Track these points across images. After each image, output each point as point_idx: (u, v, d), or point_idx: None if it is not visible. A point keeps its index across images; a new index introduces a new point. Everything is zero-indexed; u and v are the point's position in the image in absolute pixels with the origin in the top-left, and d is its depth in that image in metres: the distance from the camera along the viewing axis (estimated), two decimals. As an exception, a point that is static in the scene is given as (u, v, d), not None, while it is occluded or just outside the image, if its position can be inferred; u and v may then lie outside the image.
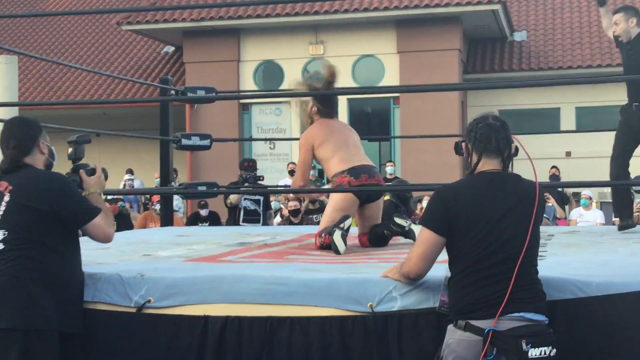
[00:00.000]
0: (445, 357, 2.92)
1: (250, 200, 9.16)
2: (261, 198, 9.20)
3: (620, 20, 6.01)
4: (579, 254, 4.39)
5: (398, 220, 4.94)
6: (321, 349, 3.24)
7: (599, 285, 3.11)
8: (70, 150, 3.77)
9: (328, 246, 4.72)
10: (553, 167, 14.51)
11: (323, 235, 4.80)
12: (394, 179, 12.53)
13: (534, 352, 2.76)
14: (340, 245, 4.63)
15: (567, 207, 13.80)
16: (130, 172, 17.12)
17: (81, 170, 3.59)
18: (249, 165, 9.17)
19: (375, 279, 3.31)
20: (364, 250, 4.87)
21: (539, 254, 4.23)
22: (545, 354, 2.78)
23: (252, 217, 9.11)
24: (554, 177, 14.11)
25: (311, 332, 3.25)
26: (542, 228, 5.48)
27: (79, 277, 3.46)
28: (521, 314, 2.85)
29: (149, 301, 3.44)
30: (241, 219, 9.06)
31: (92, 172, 3.60)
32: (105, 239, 3.49)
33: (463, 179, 3.15)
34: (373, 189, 5.06)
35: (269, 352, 3.28)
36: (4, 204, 3.31)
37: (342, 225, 4.74)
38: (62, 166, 3.47)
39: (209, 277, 3.48)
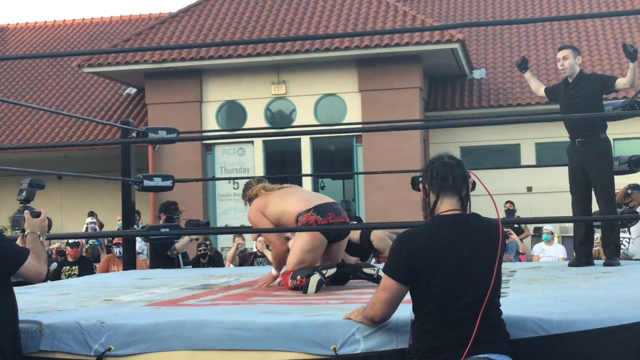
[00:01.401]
0: None
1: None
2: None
3: (569, 56, 6.21)
4: (541, 289, 4.42)
5: (367, 270, 4.97)
6: (285, 394, 3.21)
7: (560, 323, 3.12)
8: (22, 190, 3.80)
9: (301, 288, 4.72)
10: (508, 202, 14.67)
11: (299, 277, 4.77)
12: (355, 218, 12.46)
13: None
14: (312, 290, 4.63)
15: (528, 240, 13.94)
16: (92, 214, 16.95)
17: (26, 211, 3.70)
18: (175, 208, 8.86)
19: (338, 321, 3.30)
20: (327, 289, 4.85)
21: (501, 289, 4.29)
22: None
23: (188, 260, 8.96)
24: (509, 211, 14.29)
25: (274, 377, 3.23)
26: (504, 264, 5.52)
27: (9, 326, 3.38)
28: (486, 355, 2.85)
29: (109, 349, 3.39)
30: (181, 262, 8.87)
31: (37, 214, 3.68)
32: (38, 278, 3.50)
33: (424, 224, 3.12)
34: (341, 227, 5.05)
35: (233, 398, 3.24)
36: None
37: (324, 272, 4.73)
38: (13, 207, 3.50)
39: (170, 323, 3.44)
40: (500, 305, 3.00)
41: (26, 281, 3.57)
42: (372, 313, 3.12)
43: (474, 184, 3.21)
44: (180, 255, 8.79)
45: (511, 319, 3.09)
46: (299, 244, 4.99)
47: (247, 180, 5.58)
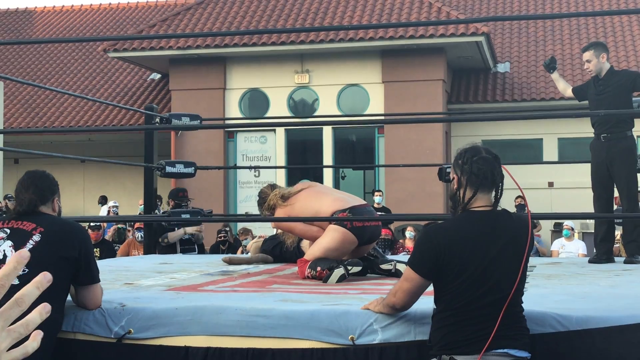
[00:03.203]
0: None
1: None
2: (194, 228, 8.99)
3: (591, 58, 6.17)
4: (560, 285, 4.41)
5: (384, 266, 4.95)
6: (302, 382, 3.23)
7: (579, 319, 3.12)
8: None
9: (319, 279, 4.71)
10: (518, 197, 14.45)
11: (319, 269, 4.75)
12: (382, 208, 12.46)
13: None
14: (332, 282, 4.62)
15: (547, 235, 13.87)
16: (104, 199, 17.23)
17: None
18: (184, 195, 8.89)
19: (356, 311, 3.31)
20: (346, 279, 4.86)
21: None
22: None
23: (188, 247, 8.97)
24: (520, 206, 14.16)
25: (292, 365, 3.25)
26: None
27: (56, 335, 3.41)
28: (506, 350, 2.84)
29: (129, 332, 3.43)
30: (178, 249, 8.88)
31: None
32: (94, 306, 3.50)
33: (453, 219, 3.07)
34: (366, 219, 4.98)
35: (250, 384, 3.27)
36: (31, 242, 3.33)
37: (349, 268, 4.69)
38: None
39: (189, 308, 3.46)
40: (522, 302, 2.99)
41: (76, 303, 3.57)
42: (394, 300, 3.11)
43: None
44: (178, 242, 8.79)
45: (530, 314, 3.09)
46: (328, 239, 4.89)
47: (260, 190, 5.51)
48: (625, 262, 5.95)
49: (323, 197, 5.11)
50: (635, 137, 6.35)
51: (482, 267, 2.88)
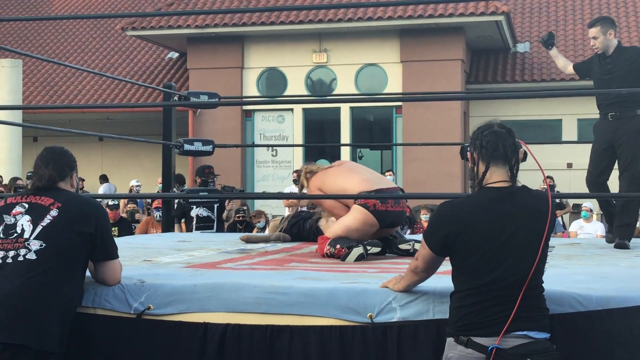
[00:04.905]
0: None
1: (204, 207, 9.03)
2: (216, 205, 9.01)
3: (598, 35, 5.80)
4: (579, 266, 4.38)
5: (402, 246, 4.94)
6: (320, 359, 3.24)
7: (599, 299, 3.09)
8: None
9: (337, 257, 4.71)
10: (548, 177, 14.31)
11: (338, 246, 4.76)
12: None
13: None
14: (350, 260, 4.62)
15: (566, 217, 13.80)
16: (104, 178, 17.46)
17: None
18: (210, 172, 8.94)
19: (375, 289, 3.30)
20: (364, 259, 4.85)
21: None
22: None
23: (205, 224, 9.01)
24: (550, 187, 13.97)
25: (310, 342, 3.25)
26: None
27: (75, 310, 3.43)
28: (525, 332, 2.81)
29: (149, 308, 3.44)
30: (194, 226, 8.95)
31: None
32: (114, 283, 3.52)
33: (469, 195, 3.05)
34: (389, 196, 4.94)
35: (269, 360, 3.28)
36: (49, 217, 3.34)
37: (368, 248, 4.69)
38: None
39: (208, 285, 3.47)
40: (542, 282, 2.95)
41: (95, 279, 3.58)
42: (416, 263, 3.11)
43: (525, 154, 3.12)
44: (195, 219, 8.89)
45: (550, 294, 3.07)
46: (350, 219, 4.90)
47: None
48: (616, 246, 5.62)
49: (352, 175, 5.10)
50: None
51: (498, 246, 2.84)
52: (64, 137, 18.22)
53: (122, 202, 13.43)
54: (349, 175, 5.10)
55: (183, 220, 9.15)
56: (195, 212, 8.97)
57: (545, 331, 2.86)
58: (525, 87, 17.53)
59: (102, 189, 17.64)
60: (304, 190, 5.37)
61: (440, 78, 16.71)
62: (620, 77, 5.72)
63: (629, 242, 5.68)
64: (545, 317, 2.90)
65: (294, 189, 13.15)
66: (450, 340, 2.91)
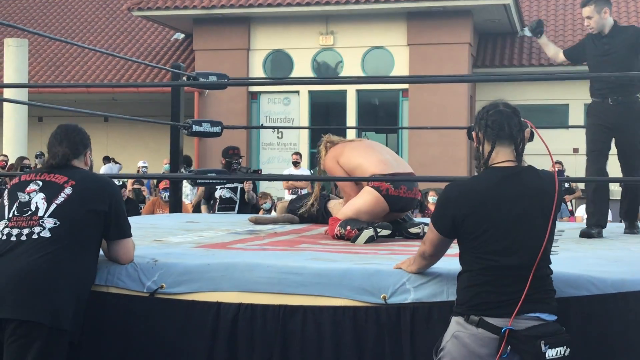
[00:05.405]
0: (450, 349, 2.87)
1: (227, 188, 9.04)
2: (239, 186, 9.00)
3: (592, 14, 5.45)
4: (591, 249, 4.38)
5: (412, 230, 4.93)
6: (334, 339, 3.23)
7: (614, 283, 3.09)
8: None
9: (347, 238, 4.71)
10: (557, 162, 14.19)
11: (349, 227, 4.75)
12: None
13: (551, 352, 2.74)
14: (360, 242, 4.61)
15: (574, 202, 13.76)
16: (107, 159, 17.49)
17: None
18: (234, 152, 8.95)
19: (389, 270, 3.30)
20: (374, 242, 4.84)
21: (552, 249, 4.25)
22: (560, 354, 2.76)
23: (227, 205, 9.02)
24: (559, 172, 13.93)
25: (324, 322, 3.25)
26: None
27: (89, 288, 3.43)
28: (537, 314, 2.81)
29: (162, 287, 3.44)
30: (216, 207, 8.99)
31: None
32: (127, 261, 3.52)
33: (475, 176, 3.03)
34: (395, 179, 4.91)
35: (282, 339, 3.27)
36: (63, 195, 3.33)
37: (378, 230, 4.67)
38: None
39: (221, 264, 3.47)
40: (550, 263, 2.95)
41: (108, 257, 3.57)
42: (424, 248, 3.11)
43: (531, 135, 3.10)
44: (217, 200, 8.94)
45: (565, 277, 3.07)
46: (361, 201, 4.89)
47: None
48: (582, 234, 5.25)
49: (371, 154, 5.06)
50: None
51: (506, 226, 2.84)
52: (70, 117, 18.19)
53: (129, 183, 13.46)
54: (367, 153, 5.08)
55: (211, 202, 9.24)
56: (219, 193, 9.02)
57: (554, 313, 2.86)
58: (531, 71, 17.48)
59: (103, 170, 17.65)
60: (320, 161, 5.34)
61: (448, 61, 16.65)
62: (619, 58, 5.39)
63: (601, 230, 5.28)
64: (554, 299, 2.90)
65: (293, 171, 13.18)
66: (458, 319, 2.90)
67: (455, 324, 2.91)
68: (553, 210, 2.87)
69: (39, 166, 12.28)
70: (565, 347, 2.78)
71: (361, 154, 5.07)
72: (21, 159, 12.35)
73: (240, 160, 8.98)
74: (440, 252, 3.11)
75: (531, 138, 3.11)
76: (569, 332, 2.90)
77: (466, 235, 2.90)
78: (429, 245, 3.09)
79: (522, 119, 3.04)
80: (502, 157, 2.94)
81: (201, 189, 9.38)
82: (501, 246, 2.83)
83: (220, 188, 8.94)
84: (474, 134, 3.03)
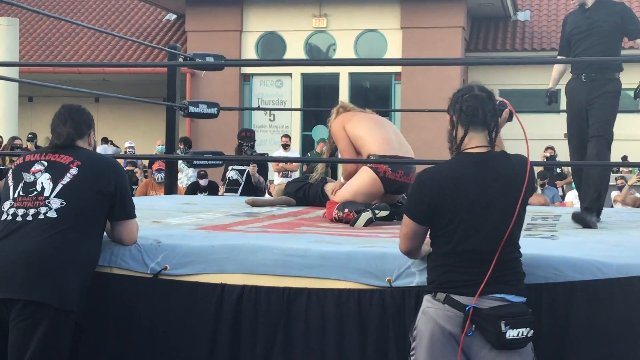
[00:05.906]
0: (420, 326, 2.90)
1: (236, 170, 9.06)
2: (247, 169, 9.01)
3: None
4: (591, 234, 4.39)
5: None
6: (338, 321, 3.24)
7: (620, 267, 3.10)
8: None
9: (345, 221, 4.71)
10: (549, 147, 14.10)
11: (347, 210, 4.75)
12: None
13: (512, 332, 2.76)
14: (359, 225, 4.61)
15: (564, 187, 13.79)
16: (105, 140, 17.33)
17: None
18: (246, 135, 9.01)
19: (394, 253, 3.28)
20: (375, 223, 4.84)
21: (551, 233, 4.26)
22: (522, 335, 2.78)
23: (232, 187, 9.05)
24: (551, 157, 13.86)
25: (328, 304, 3.25)
26: (548, 208, 5.39)
27: (94, 269, 3.42)
28: (502, 295, 2.83)
29: (166, 268, 3.44)
30: (224, 189, 9.05)
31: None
32: (130, 242, 3.52)
33: (446, 162, 3.01)
34: (392, 161, 4.92)
35: (286, 322, 3.28)
36: (69, 175, 3.32)
37: (376, 212, 4.67)
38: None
39: (225, 246, 3.46)
40: (519, 248, 2.94)
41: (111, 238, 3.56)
42: (400, 246, 3.09)
43: (510, 115, 3.07)
44: (225, 184, 8.97)
45: (570, 261, 3.08)
46: (358, 182, 4.92)
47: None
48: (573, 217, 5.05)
49: (377, 130, 5.04)
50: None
51: (476, 212, 2.84)
52: (60, 98, 18.07)
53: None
54: (373, 127, 5.06)
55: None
56: (229, 174, 9.04)
57: (521, 295, 2.88)
58: (524, 56, 17.48)
59: (98, 150, 17.60)
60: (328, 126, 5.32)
61: (441, 45, 16.62)
62: (601, 33, 5.22)
63: (599, 216, 5.08)
64: (522, 282, 2.91)
65: (282, 154, 13.15)
66: (428, 296, 2.93)
67: (425, 300, 2.94)
68: (522, 194, 2.86)
69: (31, 148, 12.21)
70: (528, 328, 2.79)
71: (368, 126, 5.06)
72: (13, 138, 12.28)
73: (253, 143, 9.01)
74: (417, 240, 3.03)
75: (510, 118, 3.09)
76: (572, 317, 2.91)
77: (439, 220, 2.90)
78: (406, 241, 3.02)
79: (501, 99, 3.04)
80: (475, 142, 2.93)
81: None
82: (471, 231, 2.84)
83: (231, 169, 8.99)
84: (447, 116, 3.01)
